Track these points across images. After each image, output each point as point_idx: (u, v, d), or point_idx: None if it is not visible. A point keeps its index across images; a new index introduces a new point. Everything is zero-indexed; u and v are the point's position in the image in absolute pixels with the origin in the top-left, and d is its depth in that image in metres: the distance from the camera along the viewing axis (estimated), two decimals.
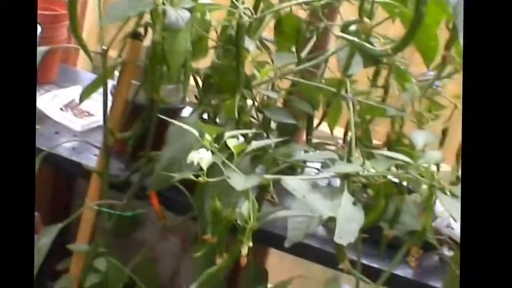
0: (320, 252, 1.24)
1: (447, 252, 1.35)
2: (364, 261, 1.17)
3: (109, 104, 1.28)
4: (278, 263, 1.88)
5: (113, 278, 1.29)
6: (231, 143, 0.89)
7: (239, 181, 0.83)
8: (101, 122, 1.30)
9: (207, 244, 0.97)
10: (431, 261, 1.34)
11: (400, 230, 1.05)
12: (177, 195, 1.20)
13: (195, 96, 1.28)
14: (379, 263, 1.24)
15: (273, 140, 0.98)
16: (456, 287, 1.14)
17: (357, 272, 1.03)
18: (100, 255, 1.30)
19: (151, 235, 1.40)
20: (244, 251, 0.87)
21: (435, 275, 1.29)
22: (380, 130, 1.27)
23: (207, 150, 0.87)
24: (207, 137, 0.87)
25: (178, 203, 1.25)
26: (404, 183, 1.07)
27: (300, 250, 1.23)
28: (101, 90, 1.26)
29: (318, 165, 1.22)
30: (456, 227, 1.40)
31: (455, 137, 1.32)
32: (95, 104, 1.45)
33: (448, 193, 0.85)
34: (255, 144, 0.92)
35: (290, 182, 0.83)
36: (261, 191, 1.08)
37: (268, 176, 0.87)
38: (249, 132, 0.98)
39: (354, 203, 0.86)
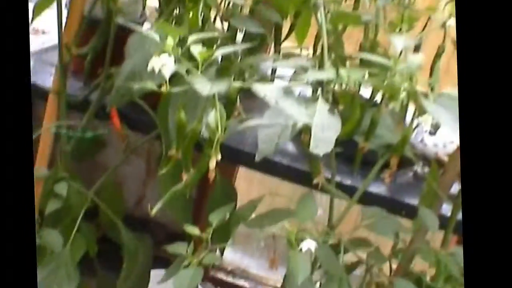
0: (290, 169, 1.19)
1: (421, 168, 1.32)
2: (337, 178, 1.13)
3: (64, 19, 1.20)
4: (246, 187, 1.84)
5: (75, 202, 1.23)
6: (195, 49, 0.82)
7: (205, 86, 0.76)
8: (56, 41, 1.22)
9: (172, 161, 0.91)
10: (405, 178, 1.31)
11: (376, 143, 1.00)
12: (140, 114, 1.15)
13: (155, 9, 1.20)
14: (352, 180, 1.20)
15: (240, 46, 0.92)
16: (433, 203, 1.11)
17: (331, 187, 0.99)
18: (61, 179, 1.24)
19: (115, 158, 1.34)
20: (212, 164, 0.81)
21: (409, 192, 1.26)
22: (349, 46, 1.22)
23: (169, 56, 0.80)
24: (169, 41, 0.80)
25: (141, 122, 1.19)
26: (378, 97, 1.03)
27: (270, 167, 1.18)
28: (55, 5, 1.17)
29: (288, 79, 1.16)
30: (430, 142, 1.36)
31: (428, 49, 1.27)
32: (49, 21, 1.37)
33: (431, 98, 0.80)
34: (221, 51, 0.85)
35: (261, 88, 0.76)
36: (228, 105, 1.02)
37: (236, 84, 0.81)
38: (214, 35, 0.91)
39: (329, 111, 0.80)
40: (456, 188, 1.12)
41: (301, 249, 0.87)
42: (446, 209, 1.13)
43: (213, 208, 1.08)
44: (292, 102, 0.77)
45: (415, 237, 1.11)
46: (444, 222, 1.09)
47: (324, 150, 0.76)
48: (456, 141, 1.20)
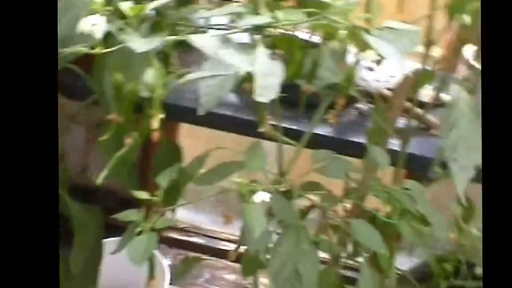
0: (234, 120, 1.17)
1: (365, 106, 1.32)
2: (283, 124, 1.11)
3: None
4: (191, 144, 1.81)
5: None
6: (125, 6, 0.78)
7: (139, 43, 0.73)
8: None
9: (113, 125, 0.87)
10: (350, 116, 1.30)
11: (319, 85, 0.98)
12: (75, 80, 1.10)
13: None
14: (298, 124, 1.18)
15: None
16: (380, 139, 1.10)
17: (278, 134, 0.97)
18: None
19: None
20: (155, 124, 0.79)
21: (355, 130, 1.25)
22: None
23: (100, 15, 0.76)
24: None
25: (77, 89, 1.15)
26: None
27: (214, 120, 1.16)
28: None
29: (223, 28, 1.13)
30: (370, 78, 1.35)
31: None
32: None
33: (373, 33, 0.78)
34: (153, 4, 0.81)
35: (198, 39, 0.73)
36: (164, 62, 0.98)
37: (172, 37, 0.77)
38: None
39: (270, 57, 0.78)
40: (402, 122, 1.12)
41: (254, 202, 0.85)
42: (394, 144, 1.12)
43: (160, 170, 1.06)
44: (231, 51, 0.74)
45: (366, 175, 1.10)
46: (393, 157, 1.08)
47: (268, 97, 0.73)
48: (398, 75, 1.20)
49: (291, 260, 0.91)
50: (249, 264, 1.03)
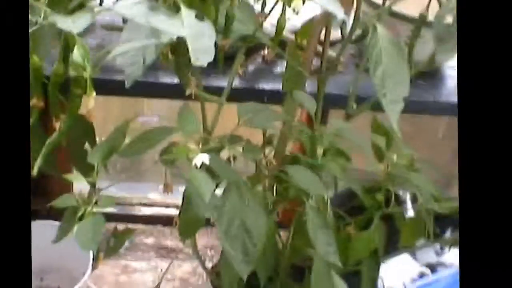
0: (158, 85, 1.16)
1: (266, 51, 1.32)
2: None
3: None
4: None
5: None
6: None
7: (67, 23, 0.69)
8: None
9: (36, 111, 0.83)
10: (255, 64, 1.30)
11: (233, 38, 0.97)
12: None
13: None
14: (213, 80, 1.17)
15: None
16: (297, 83, 1.11)
17: (203, 93, 0.95)
18: None
19: None
20: (92, 103, 0.75)
21: (262, 78, 1.26)
22: None
23: None
24: None
25: None
26: None
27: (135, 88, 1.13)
28: None
29: None
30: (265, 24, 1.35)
31: None
32: None
33: None
34: None
35: (126, 9, 0.70)
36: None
37: (100, 8, 0.73)
38: None
39: (197, 17, 0.75)
40: (316, 64, 1.13)
41: (196, 165, 0.84)
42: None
43: (75, 147, 1.02)
44: (162, 17, 0.71)
45: (287, 120, 1.11)
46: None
47: (206, 60, 0.71)
48: (298, 19, 1.20)
49: (237, 216, 0.91)
50: (187, 227, 1.02)
